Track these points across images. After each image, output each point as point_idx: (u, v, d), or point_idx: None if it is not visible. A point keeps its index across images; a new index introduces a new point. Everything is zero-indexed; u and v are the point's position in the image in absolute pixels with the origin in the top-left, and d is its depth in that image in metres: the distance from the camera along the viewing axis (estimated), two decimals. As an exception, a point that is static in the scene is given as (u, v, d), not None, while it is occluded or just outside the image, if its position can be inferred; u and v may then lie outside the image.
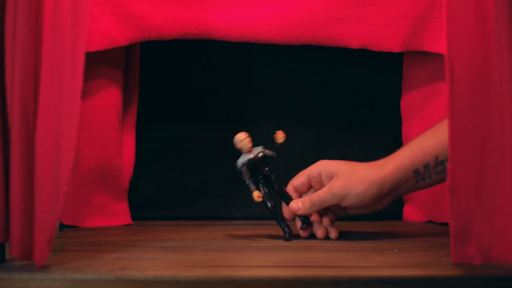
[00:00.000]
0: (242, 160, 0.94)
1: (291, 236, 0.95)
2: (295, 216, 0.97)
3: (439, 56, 1.11)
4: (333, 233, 0.95)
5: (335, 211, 0.98)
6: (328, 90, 1.26)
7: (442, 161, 0.91)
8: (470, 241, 0.71)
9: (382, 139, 1.26)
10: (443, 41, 0.74)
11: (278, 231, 1.00)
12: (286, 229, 0.95)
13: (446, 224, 0.75)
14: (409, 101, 1.23)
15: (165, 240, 0.95)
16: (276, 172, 1.24)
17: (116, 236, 1.02)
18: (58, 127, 0.72)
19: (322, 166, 0.95)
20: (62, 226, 1.11)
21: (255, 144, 0.95)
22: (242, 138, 0.94)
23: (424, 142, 0.94)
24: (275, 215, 0.95)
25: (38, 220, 0.72)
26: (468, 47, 0.72)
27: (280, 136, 0.94)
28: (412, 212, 1.23)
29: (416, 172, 0.93)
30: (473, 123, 0.71)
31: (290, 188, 0.98)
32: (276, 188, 0.96)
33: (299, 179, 0.97)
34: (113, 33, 1.08)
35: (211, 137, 1.25)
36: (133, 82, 1.19)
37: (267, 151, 0.95)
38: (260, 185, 0.95)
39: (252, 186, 0.94)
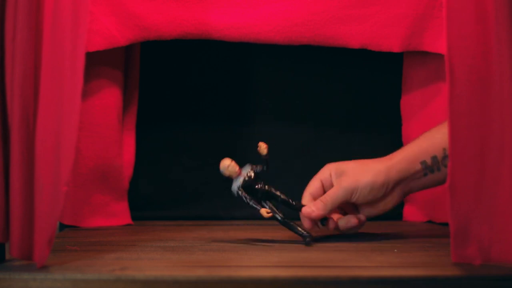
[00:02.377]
0: (235, 185, 0.93)
1: (312, 239, 0.91)
2: (314, 222, 0.95)
3: (439, 56, 1.11)
4: (352, 220, 0.94)
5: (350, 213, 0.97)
6: (328, 90, 1.26)
7: None
8: (470, 241, 0.71)
9: (382, 139, 1.26)
10: (443, 41, 0.74)
11: (278, 231, 1.00)
12: (305, 233, 0.92)
13: (446, 224, 0.75)
14: (409, 101, 1.23)
15: (165, 240, 0.95)
16: (276, 172, 1.25)
17: (116, 236, 1.02)
18: (58, 127, 0.72)
19: (331, 167, 0.96)
20: (62, 226, 1.11)
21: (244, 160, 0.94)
22: (227, 165, 0.92)
23: (431, 137, 0.95)
24: (288, 225, 0.93)
25: (38, 220, 0.72)
26: (468, 47, 0.72)
27: (263, 148, 0.92)
28: (412, 212, 1.23)
29: (423, 163, 0.93)
30: (473, 123, 0.71)
31: (307, 197, 0.96)
32: (280, 199, 0.94)
33: (313, 185, 0.96)
34: (113, 33, 1.08)
35: (211, 137, 1.25)
36: (133, 82, 1.19)
37: (256, 167, 0.93)
38: (262, 201, 0.93)
39: (257, 205, 0.92)
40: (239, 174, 0.93)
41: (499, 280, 0.69)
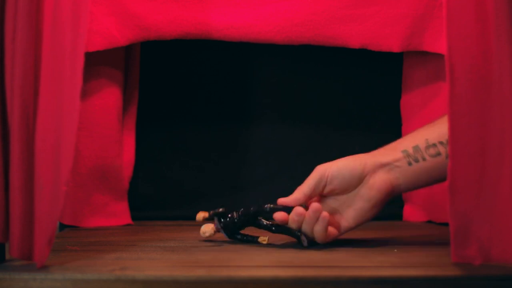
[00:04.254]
0: (224, 234, 0.93)
1: (310, 241, 0.89)
2: (300, 220, 0.89)
3: (439, 56, 1.12)
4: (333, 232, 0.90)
5: (338, 221, 0.92)
6: (328, 90, 1.26)
7: (434, 144, 0.88)
8: (470, 241, 0.71)
9: (382, 139, 1.25)
10: (443, 41, 0.74)
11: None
12: (302, 236, 0.88)
13: (446, 224, 0.75)
14: (409, 101, 1.23)
15: (165, 240, 0.95)
16: (277, 173, 1.25)
17: (116, 236, 1.02)
18: (58, 127, 0.72)
19: (315, 172, 0.92)
20: (62, 226, 1.11)
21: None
22: (203, 232, 0.94)
23: (413, 132, 0.92)
24: (283, 230, 0.90)
25: (38, 220, 0.72)
26: (468, 47, 0.72)
27: (263, 240, 0.92)
28: (412, 212, 1.23)
29: (405, 152, 0.89)
30: (473, 122, 0.71)
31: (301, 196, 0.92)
32: (251, 212, 0.92)
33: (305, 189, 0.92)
34: (113, 33, 1.08)
35: (211, 137, 1.25)
36: (133, 82, 1.20)
37: (218, 212, 0.93)
38: (251, 224, 0.93)
39: (253, 238, 0.92)
40: (218, 230, 0.94)
41: (499, 280, 0.69)
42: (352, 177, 0.89)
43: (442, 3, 1.05)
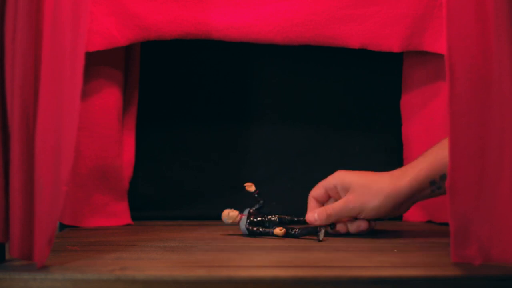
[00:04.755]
0: (242, 225, 0.98)
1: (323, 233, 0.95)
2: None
3: (439, 56, 1.12)
4: (363, 224, 0.96)
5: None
6: (328, 90, 1.26)
7: None
8: (470, 241, 0.71)
9: (382, 139, 1.26)
10: (443, 41, 0.74)
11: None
12: (322, 231, 0.94)
13: (446, 224, 0.75)
14: (409, 101, 1.23)
15: (165, 240, 0.95)
16: (277, 173, 1.25)
17: (116, 236, 1.02)
18: (58, 127, 0.72)
19: (337, 179, 0.96)
20: (62, 226, 1.11)
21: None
22: (226, 214, 0.99)
23: (441, 153, 0.92)
24: (305, 231, 0.96)
25: (38, 220, 0.72)
26: (468, 46, 0.72)
27: (249, 187, 1.00)
28: (412, 212, 1.23)
29: (432, 182, 0.92)
30: (473, 122, 0.71)
31: (312, 201, 0.99)
32: (284, 220, 1.00)
33: (316, 191, 0.98)
34: (113, 33, 1.08)
35: (211, 137, 1.25)
36: (133, 82, 1.19)
37: (256, 205, 1.00)
38: (272, 225, 0.99)
39: (269, 230, 0.97)
40: (241, 217, 0.98)
41: (499, 280, 0.69)
42: (380, 217, 0.96)
43: (442, 3, 1.05)
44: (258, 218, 0.98)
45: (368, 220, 0.97)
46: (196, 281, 0.68)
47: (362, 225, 0.96)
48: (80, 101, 0.72)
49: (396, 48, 1.13)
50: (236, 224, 0.99)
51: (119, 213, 1.16)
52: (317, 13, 1.12)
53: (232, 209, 0.99)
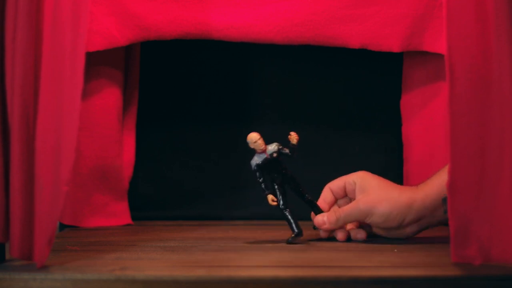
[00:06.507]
0: (255, 161, 0.93)
1: (296, 238, 0.91)
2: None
3: (439, 56, 1.11)
4: (360, 234, 0.95)
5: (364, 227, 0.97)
6: (328, 90, 1.26)
7: None
8: (470, 241, 0.71)
9: (382, 139, 1.26)
10: (443, 41, 0.74)
11: (277, 231, 1.00)
12: (296, 231, 0.91)
13: (446, 224, 0.75)
14: (409, 101, 1.23)
15: (165, 240, 0.95)
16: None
17: (116, 236, 1.02)
18: (58, 127, 0.72)
19: (359, 177, 0.95)
20: (62, 226, 1.11)
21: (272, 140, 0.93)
22: (254, 140, 0.93)
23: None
24: (286, 218, 0.92)
25: (38, 220, 0.72)
26: (468, 46, 0.72)
27: (293, 137, 0.93)
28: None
29: (445, 200, 0.90)
30: (473, 122, 0.71)
31: (326, 190, 0.97)
32: (292, 185, 0.94)
33: (335, 183, 0.97)
34: (113, 33, 1.08)
35: (211, 137, 1.25)
36: (133, 82, 1.19)
37: (283, 148, 0.93)
38: (276, 186, 0.93)
39: (266, 189, 0.92)
40: (263, 151, 0.93)
41: (499, 280, 0.69)
42: (388, 227, 0.94)
43: (442, 3, 1.05)
44: (279, 168, 0.92)
45: (368, 232, 0.96)
46: (196, 281, 0.68)
47: (360, 233, 0.94)
48: (81, 101, 0.72)
49: (396, 48, 1.13)
50: (253, 150, 0.93)
51: (119, 213, 1.16)
52: (317, 13, 1.11)
53: (261, 139, 0.93)
